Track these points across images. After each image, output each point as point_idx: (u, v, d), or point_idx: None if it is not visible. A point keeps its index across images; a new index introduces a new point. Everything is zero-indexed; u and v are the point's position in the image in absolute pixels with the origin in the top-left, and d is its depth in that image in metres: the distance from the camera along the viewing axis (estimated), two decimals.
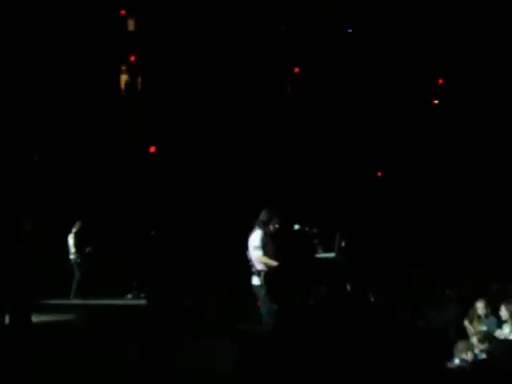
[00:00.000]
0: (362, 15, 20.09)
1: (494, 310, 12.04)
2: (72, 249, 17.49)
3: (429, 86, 20.37)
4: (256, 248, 10.82)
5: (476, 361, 10.34)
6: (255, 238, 10.91)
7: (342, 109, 20.25)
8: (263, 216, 11.06)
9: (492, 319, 11.98)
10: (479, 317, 12.13)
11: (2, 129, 16.44)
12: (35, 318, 13.58)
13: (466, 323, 12.20)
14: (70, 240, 17.56)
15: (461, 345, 10.74)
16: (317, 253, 13.07)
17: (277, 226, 11.05)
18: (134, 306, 16.60)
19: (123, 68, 19.68)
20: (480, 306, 12.15)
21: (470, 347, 10.74)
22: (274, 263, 10.81)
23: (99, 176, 18.05)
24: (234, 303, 13.20)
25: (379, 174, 20.39)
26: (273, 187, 17.64)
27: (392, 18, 19.74)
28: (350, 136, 20.27)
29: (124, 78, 19.75)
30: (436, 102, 20.45)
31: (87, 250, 17.40)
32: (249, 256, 11.01)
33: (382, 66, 19.96)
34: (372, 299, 13.56)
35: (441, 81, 20.60)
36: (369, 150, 20.05)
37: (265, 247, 10.83)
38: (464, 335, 12.05)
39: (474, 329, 11.95)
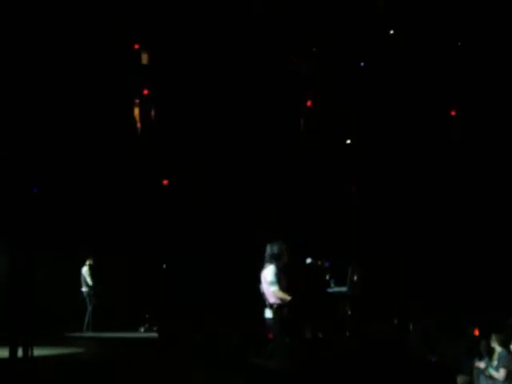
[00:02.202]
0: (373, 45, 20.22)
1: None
2: (89, 282, 17.52)
3: (440, 114, 20.37)
4: (271, 283, 10.80)
5: None
6: (269, 272, 10.90)
7: (354, 142, 20.31)
8: (273, 249, 11.06)
9: (504, 352, 11.92)
10: (494, 350, 12.07)
11: (15, 161, 16.57)
12: (46, 351, 13.63)
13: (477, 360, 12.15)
14: (85, 274, 17.59)
15: (460, 380, 10.72)
16: (329, 287, 13.06)
17: (286, 259, 11.05)
18: (146, 339, 16.59)
19: (137, 101, 19.81)
20: (493, 340, 12.10)
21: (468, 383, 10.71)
22: (289, 298, 10.80)
23: (111, 209, 18.10)
24: (247, 337, 13.16)
25: (389, 208, 20.37)
26: (284, 221, 17.64)
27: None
28: (362, 168, 20.29)
29: (137, 111, 19.85)
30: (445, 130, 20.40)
31: (99, 288, 17.44)
32: (261, 289, 11.02)
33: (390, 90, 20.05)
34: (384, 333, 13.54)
35: (453, 112, 20.61)
36: (380, 183, 20.06)
37: (279, 281, 10.83)
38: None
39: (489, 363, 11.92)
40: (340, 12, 19.82)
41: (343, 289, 13.24)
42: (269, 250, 11.14)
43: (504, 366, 11.53)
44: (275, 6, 19.69)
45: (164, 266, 17.99)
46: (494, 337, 12.04)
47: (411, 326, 14.74)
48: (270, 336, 10.85)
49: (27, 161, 16.91)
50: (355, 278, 13.26)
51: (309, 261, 12.22)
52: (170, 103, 19.58)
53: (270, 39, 19.63)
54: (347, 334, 12.87)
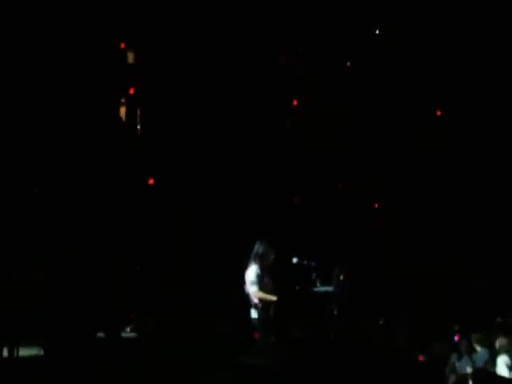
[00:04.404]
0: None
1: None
2: None
3: (428, 115, 20.42)
4: (252, 283, 10.87)
5: None
6: (251, 272, 10.95)
7: (341, 139, 20.33)
8: (258, 249, 11.09)
9: (483, 352, 12.01)
10: (474, 350, 12.16)
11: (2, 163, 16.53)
12: (33, 351, 13.60)
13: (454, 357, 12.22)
14: None
15: (452, 378, 10.78)
16: (315, 286, 13.05)
17: (272, 258, 11.08)
18: (133, 339, 16.55)
19: (122, 100, 19.75)
20: (474, 340, 12.20)
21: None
22: (270, 298, 10.85)
23: (95, 208, 18.00)
24: (232, 337, 13.17)
25: (376, 205, 20.38)
26: (270, 220, 17.64)
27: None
28: (350, 167, 20.31)
29: (123, 110, 19.79)
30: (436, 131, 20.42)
31: None
32: (246, 290, 11.04)
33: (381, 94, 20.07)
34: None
35: (439, 113, 20.64)
36: (367, 180, 20.07)
37: (261, 281, 10.87)
38: None
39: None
40: (333, 11, 19.82)
41: (329, 288, 13.23)
42: (255, 248, 11.18)
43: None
44: (269, 5, 19.67)
45: (150, 265, 17.90)
46: (473, 337, 12.13)
47: (398, 325, 14.77)
48: (256, 336, 10.89)
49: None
50: (341, 277, 13.25)
51: (295, 260, 12.21)
52: (157, 102, 19.53)
53: (260, 39, 19.60)
54: (333, 333, 12.87)
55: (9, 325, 13.03)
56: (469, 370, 11.63)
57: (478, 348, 11.99)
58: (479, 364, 11.78)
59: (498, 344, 11.75)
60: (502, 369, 11.52)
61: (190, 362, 12.22)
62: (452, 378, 11.97)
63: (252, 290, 10.88)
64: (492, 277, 17.58)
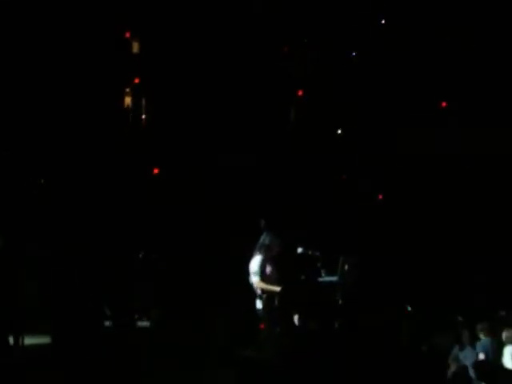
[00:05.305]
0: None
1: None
2: None
3: (431, 109, 20.39)
4: (255, 274, 10.88)
5: None
6: (254, 263, 10.96)
7: (344, 131, 20.33)
8: (264, 240, 11.10)
9: (486, 341, 12.05)
10: (478, 339, 12.19)
11: (4, 154, 16.56)
12: (37, 339, 13.64)
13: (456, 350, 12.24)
14: None
15: (453, 367, 10.84)
16: (320, 276, 13.07)
17: (278, 249, 11.09)
18: (137, 329, 16.55)
19: (128, 90, 19.79)
20: (478, 330, 12.23)
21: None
22: (272, 288, 10.85)
23: (102, 200, 18.00)
24: (236, 330, 13.16)
25: (380, 196, 20.37)
26: (275, 210, 17.63)
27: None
28: (354, 157, 20.30)
29: (128, 100, 19.83)
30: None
31: None
32: (251, 281, 11.04)
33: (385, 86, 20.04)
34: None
35: (444, 104, 20.61)
36: (369, 172, 20.07)
37: (264, 272, 10.89)
38: None
39: None
40: (334, 8, 19.80)
41: (334, 278, 13.23)
42: (261, 239, 11.18)
43: (482, 353, 11.68)
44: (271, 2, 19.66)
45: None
46: (478, 326, 12.16)
47: (401, 317, 14.77)
48: (262, 327, 10.89)
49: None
50: (346, 267, 13.25)
51: (300, 250, 12.23)
52: (162, 92, 19.53)
53: (263, 34, 19.59)
54: (338, 323, 12.89)
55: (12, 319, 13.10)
56: (481, 356, 11.66)
57: (482, 337, 12.02)
58: (481, 352, 11.81)
59: (504, 335, 11.78)
60: (508, 360, 11.55)
61: (191, 361, 12.20)
62: (453, 367, 11.99)
63: (254, 280, 10.89)
64: (492, 271, 17.60)
